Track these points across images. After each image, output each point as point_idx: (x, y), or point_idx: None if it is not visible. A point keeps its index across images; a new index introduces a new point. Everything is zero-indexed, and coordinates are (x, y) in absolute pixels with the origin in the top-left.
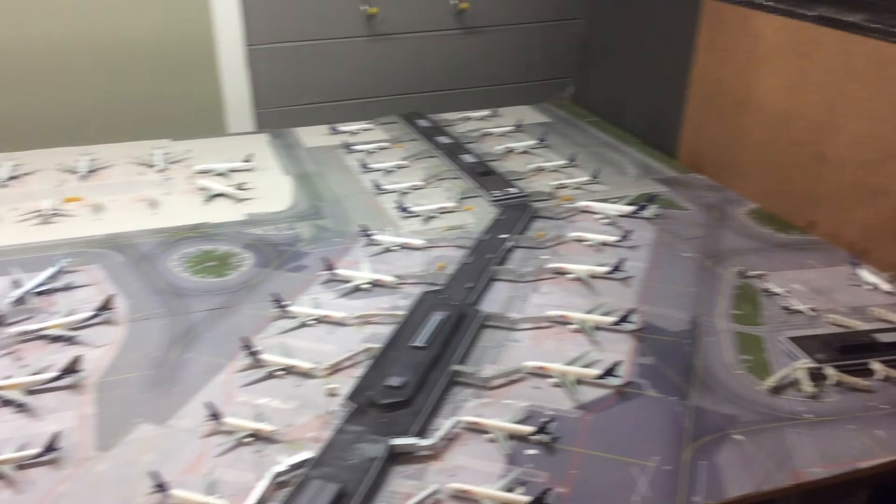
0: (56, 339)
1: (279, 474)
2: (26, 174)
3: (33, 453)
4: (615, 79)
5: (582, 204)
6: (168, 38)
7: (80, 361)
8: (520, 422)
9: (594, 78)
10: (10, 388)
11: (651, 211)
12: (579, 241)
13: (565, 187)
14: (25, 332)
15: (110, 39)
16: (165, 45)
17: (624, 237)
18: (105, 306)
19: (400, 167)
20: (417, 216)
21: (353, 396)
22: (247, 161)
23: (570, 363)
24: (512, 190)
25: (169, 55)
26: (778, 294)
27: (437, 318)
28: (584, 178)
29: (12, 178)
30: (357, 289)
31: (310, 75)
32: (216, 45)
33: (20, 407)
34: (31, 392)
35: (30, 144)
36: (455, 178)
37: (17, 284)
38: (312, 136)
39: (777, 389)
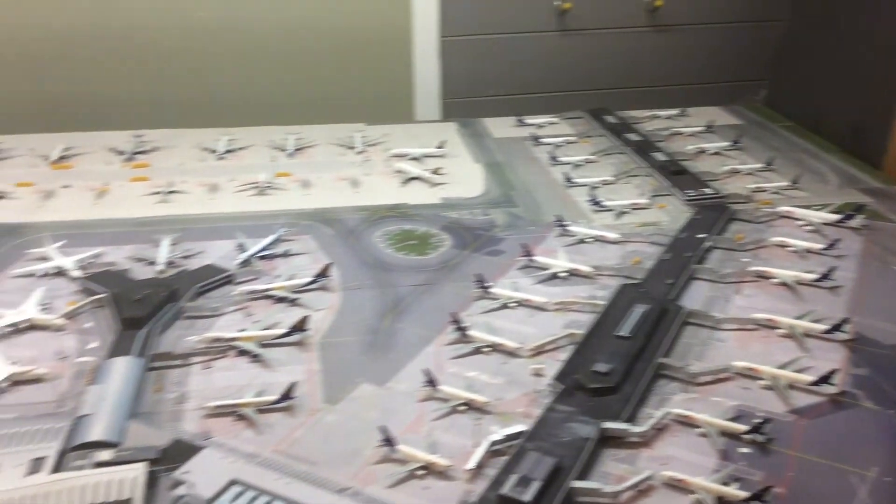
0: (280, 299)
1: (495, 443)
2: (241, 148)
3: (271, 400)
4: (815, 83)
5: (783, 209)
6: (369, 28)
7: (308, 321)
8: (731, 420)
9: (791, 81)
10: (247, 339)
11: (858, 221)
12: (781, 246)
13: (763, 191)
14: (254, 291)
15: (315, 27)
16: (366, 33)
17: (831, 245)
18: (322, 274)
19: (588, 162)
20: (610, 210)
21: (560, 378)
22: (440, 147)
23: (782, 367)
24: (707, 190)
25: (368, 43)
26: None
27: (639, 310)
28: (783, 183)
29: (228, 151)
30: (554, 276)
31: (498, 68)
32: (412, 35)
33: (255, 357)
34: (264, 345)
35: (243, 122)
36: (646, 176)
37: (241, 248)
38: (499, 127)
39: None
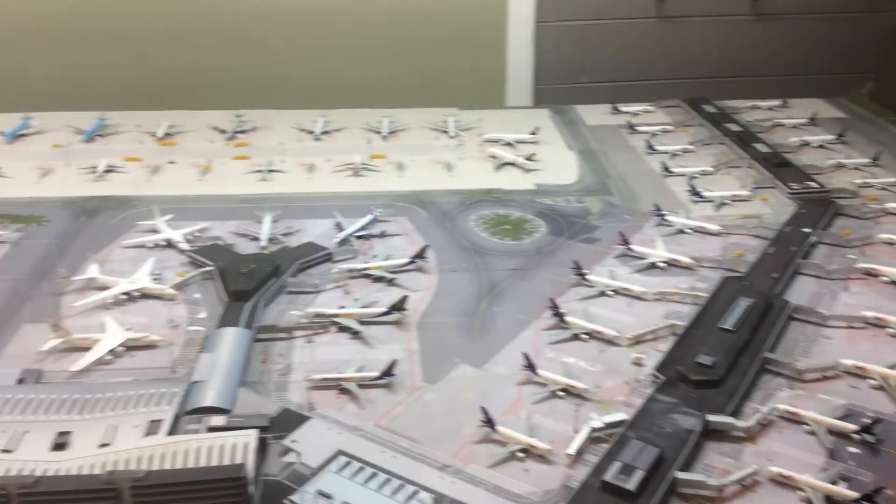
0: (378, 279)
1: (595, 430)
2: (336, 130)
3: (373, 375)
4: None
5: (891, 205)
6: (464, 13)
7: (407, 301)
8: (839, 419)
9: None
10: (347, 316)
11: None
12: (890, 243)
13: (870, 186)
14: (352, 270)
15: (411, 11)
16: (462, 18)
17: None
18: (419, 255)
19: (686, 151)
20: (709, 202)
21: (661, 369)
22: (533, 133)
23: (892, 367)
24: (811, 184)
25: (463, 28)
26: None
27: (744, 303)
28: (891, 179)
29: (325, 132)
30: (653, 266)
31: (592, 54)
32: (507, 20)
33: (355, 334)
34: (363, 322)
35: (338, 104)
36: (747, 167)
37: (339, 227)
38: (593, 115)
39: None
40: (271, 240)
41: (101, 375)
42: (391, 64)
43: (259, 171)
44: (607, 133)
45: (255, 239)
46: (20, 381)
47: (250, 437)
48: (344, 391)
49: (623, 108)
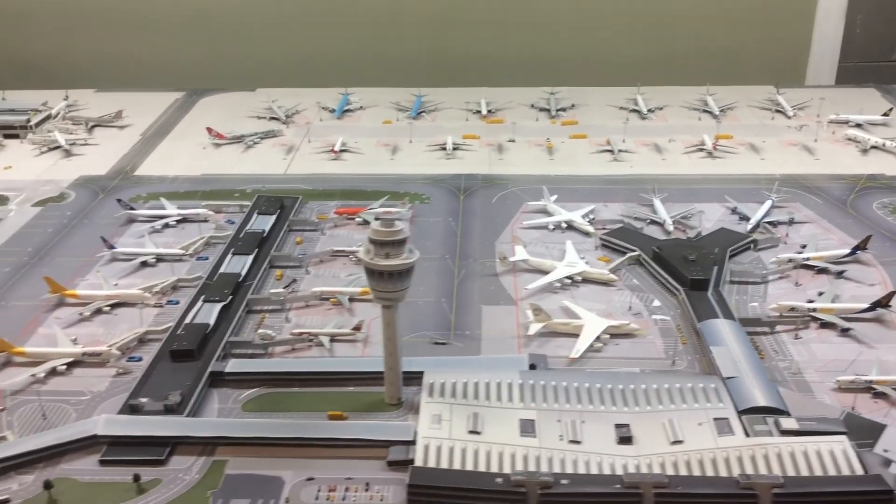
0: (821, 270)
1: None
2: (658, 108)
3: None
4: None
5: None
6: None
7: (892, 298)
8: None
9: None
10: (826, 311)
11: None
12: None
13: None
14: (792, 260)
15: None
16: None
17: None
18: (861, 246)
19: None
20: None
21: None
22: (885, 115)
23: None
24: None
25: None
26: None
27: None
28: None
29: (650, 110)
30: None
31: None
32: None
33: (845, 331)
34: (846, 318)
35: (652, 81)
36: None
37: (737, 213)
38: None
39: None
40: (675, 224)
41: (596, 364)
42: (689, 39)
43: (608, 150)
44: None
45: (655, 223)
46: (531, 367)
47: (843, 444)
48: (879, 395)
49: None
